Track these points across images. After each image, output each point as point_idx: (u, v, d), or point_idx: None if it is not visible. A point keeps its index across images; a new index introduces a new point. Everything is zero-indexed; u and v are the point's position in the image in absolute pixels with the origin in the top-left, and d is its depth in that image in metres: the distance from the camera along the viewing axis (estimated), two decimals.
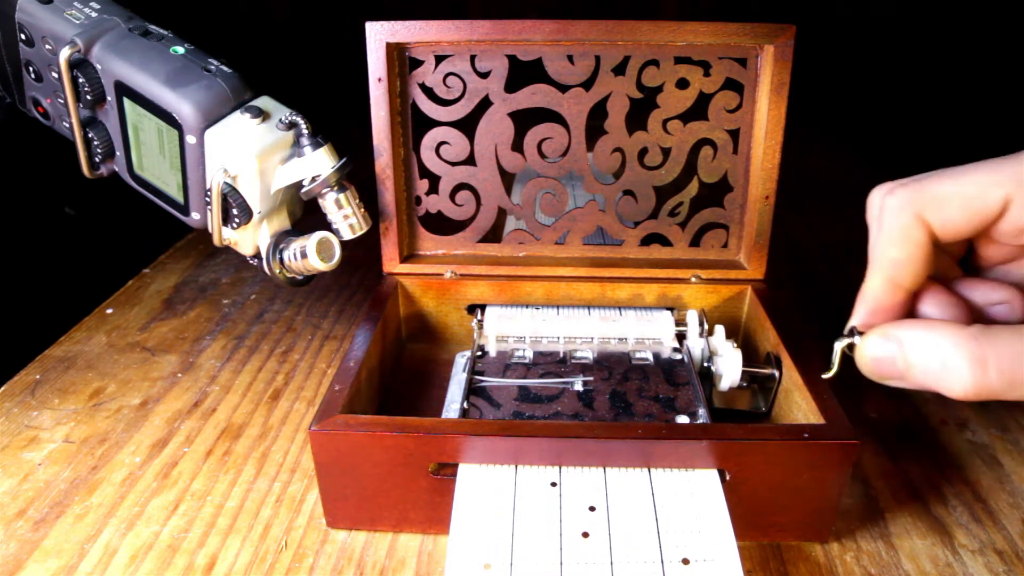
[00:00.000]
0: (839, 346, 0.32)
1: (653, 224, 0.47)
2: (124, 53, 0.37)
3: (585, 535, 0.30)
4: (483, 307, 0.47)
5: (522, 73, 0.44)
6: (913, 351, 0.32)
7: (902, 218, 0.34)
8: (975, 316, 0.37)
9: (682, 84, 0.44)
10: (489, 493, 0.32)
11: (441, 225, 0.47)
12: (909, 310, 0.36)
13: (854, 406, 0.44)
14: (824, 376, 0.32)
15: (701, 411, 0.37)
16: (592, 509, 0.31)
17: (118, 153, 0.41)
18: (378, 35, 0.42)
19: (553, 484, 0.32)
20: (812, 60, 0.66)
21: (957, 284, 0.37)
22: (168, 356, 0.50)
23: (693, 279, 0.46)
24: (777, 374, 0.39)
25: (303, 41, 1.21)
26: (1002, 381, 0.30)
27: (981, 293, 0.37)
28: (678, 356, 0.43)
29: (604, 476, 0.33)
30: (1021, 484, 0.38)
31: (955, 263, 0.38)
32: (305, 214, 0.42)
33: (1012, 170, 0.32)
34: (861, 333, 0.33)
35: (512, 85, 0.44)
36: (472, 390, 0.39)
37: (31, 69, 0.41)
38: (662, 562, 0.29)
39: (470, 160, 0.45)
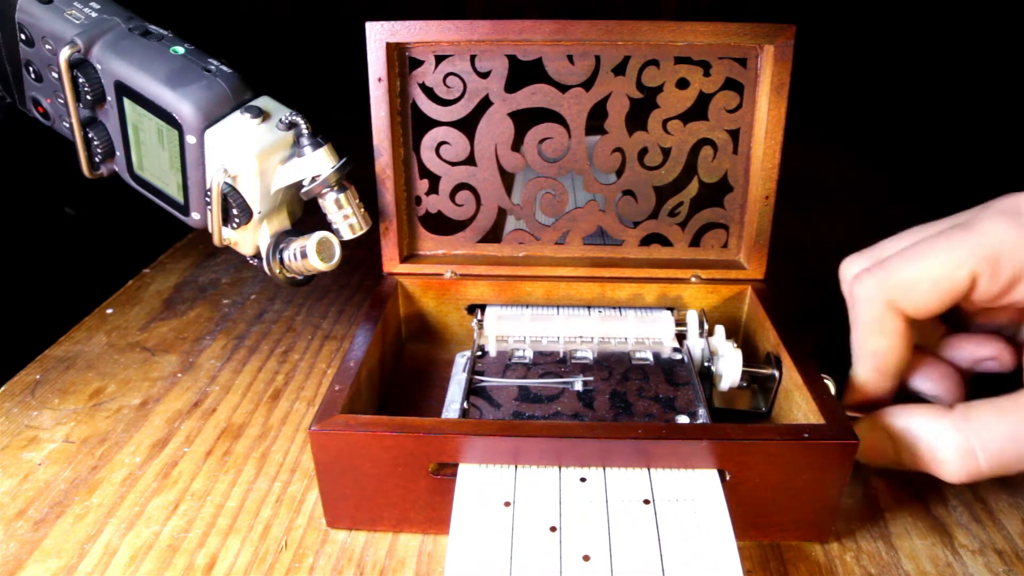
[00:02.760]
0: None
1: (653, 224, 0.47)
2: (124, 53, 0.37)
3: (585, 535, 0.30)
4: (483, 307, 0.47)
5: (522, 73, 0.44)
6: (902, 443, 0.33)
7: (874, 309, 0.34)
8: (966, 374, 0.37)
9: (682, 84, 0.44)
10: (489, 493, 0.32)
11: (441, 225, 0.47)
12: (900, 387, 0.36)
13: None
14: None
15: (701, 411, 0.37)
16: (592, 509, 0.31)
17: (118, 153, 0.41)
18: (378, 35, 0.42)
19: (553, 484, 0.32)
20: (812, 60, 0.66)
21: (944, 345, 0.38)
22: (168, 356, 0.50)
23: (693, 279, 0.46)
24: (777, 374, 0.39)
25: (303, 41, 1.21)
26: (992, 467, 0.31)
27: (969, 351, 0.37)
28: (678, 356, 0.43)
29: (604, 476, 0.33)
30: (1021, 484, 0.38)
31: (939, 323, 0.38)
32: (305, 214, 0.42)
33: (972, 244, 0.31)
34: (854, 419, 0.34)
35: (512, 85, 0.44)
36: (472, 390, 0.39)
37: (31, 69, 0.41)
38: (662, 561, 0.29)
39: (470, 160, 0.45)
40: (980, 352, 0.36)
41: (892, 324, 0.34)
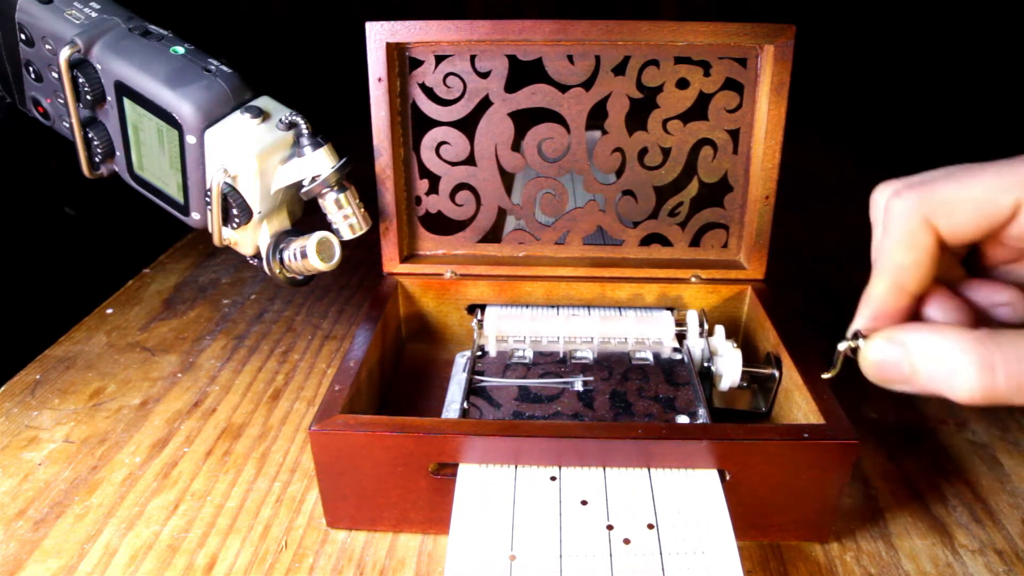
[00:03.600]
0: (842, 348, 0.32)
1: (653, 224, 0.47)
2: (124, 53, 0.37)
3: (585, 535, 0.30)
4: (483, 307, 0.47)
5: (522, 73, 0.44)
6: (919, 355, 0.32)
7: (909, 223, 0.33)
8: (979, 318, 0.36)
9: (682, 84, 0.44)
10: (489, 493, 0.32)
11: (441, 225, 0.47)
12: (913, 313, 0.35)
13: (854, 406, 0.44)
14: (824, 376, 0.32)
15: (701, 411, 0.37)
16: (592, 508, 0.31)
17: (118, 153, 0.41)
18: (378, 35, 0.42)
19: (553, 481, 0.32)
20: (812, 60, 0.66)
21: (960, 285, 0.37)
22: (168, 356, 0.50)
23: (693, 279, 0.46)
24: (777, 374, 0.39)
25: (303, 41, 1.21)
26: (1010, 385, 0.30)
27: (985, 294, 0.36)
28: (678, 356, 0.43)
29: (604, 476, 0.33)
30: (1021, 484, 0.38)
31: (958, 263, 0.37)
32: (305, 214, 0.42)
33: (1022, 172, 0.31)
34: (864, 336, 0.33)
35: (512, 85, 0.44)
36: (472, 390, 0.39)
37: (31, 69, 0.41)
38: (662, 562, 0.29)
39: (470, 160, 0.45)
40: (996, 296, 0.36)
41: (924, 240, 0.33)
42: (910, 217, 0.33)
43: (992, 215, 0.32)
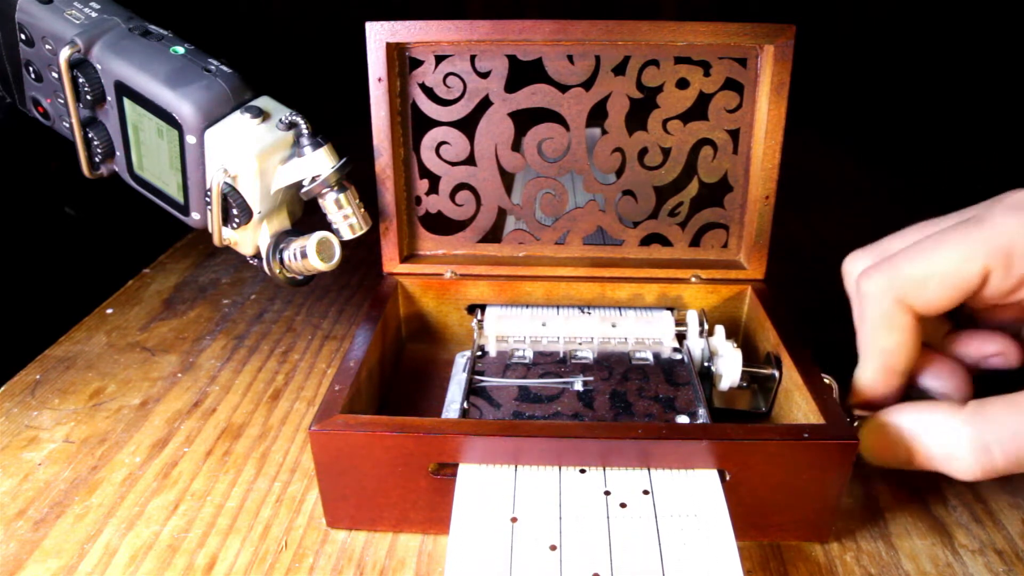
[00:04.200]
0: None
1: (653, 224, 0.47)
2: (124, 53, 0.37)
3: (585, 535, 0.30)
4: (483, 307, 0.47)
5: (522, 73, 0.44)
6: (913, 441, 0.32)
7: (883, 306, 0.33)
8: (972, 371, 0.36)
9: (682, 84, 0.44)
10: (489, 493, 0.32)
11: (441, 225, 0.47)
12: (907, 385, 0.35)
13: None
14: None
15: (701, 411, 0.37)
16: (592, 508, 0.31)
17: (118, 153, 0.41)
18: (378, 35, 0.42)
19: (553, 484, 0.32)
20: (812, 60, 0.66)
21: (950, 341, 0.37)
22: (168, 356, 0.50)
23: (693, 279, 0.46)
24: (777, 374, 0.39)
25: (303, 41, 1.21)
26: (1008, 462, 0.30)
27: (975, 347, 0.36)
28: (678, 356, 0.43)
29: (604, 476, 0.33)
30: (1021, 484, 0.38)
31: (944, 319, 0.37)
32: (305, 214, 0.42)
33: (984, 239, 0.30)
34: (858, 422, 0.33)
35: (512, 85, 0.44)
36: (472, 390, 0.39)
37: (31, 69, 0.41)
38: (662, 561, 0.29)
39: (470, 160, 0.45)
40: (986, 348, 0.36)
41: (901, 321, 0.33)
42: (883, 300, 0.33)
43: (962, 286, 0.31)
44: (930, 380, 0.36)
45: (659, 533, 0.30)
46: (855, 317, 0.35)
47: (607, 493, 0.32)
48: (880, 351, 0.34)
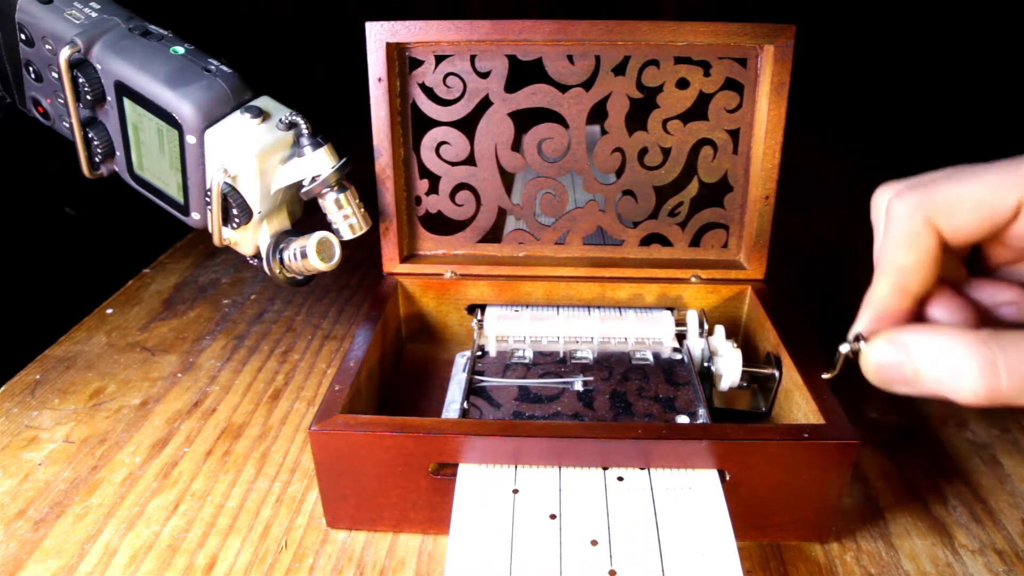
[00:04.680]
0: (843, 350, 0.32)
1: (653, 224, 0.47)
2: (124, 53, 0.37)
3: (585, 535, 0.30)
4: (483, 307, 0.47)
5: (522, 73, 0.44)
6: (921, 357, 0.32)
7: (911, 224, 0.33)
8: (983, 318, 0.36)
9: (682, 84, 0.44)
10: (489, 493, 0.32)
11: (441, 225, 0.47)
12: (916, 315, 0.35)
13: (854, 406, 0.44)
14: (824, 376, 0.32)
15: (701, 411, 0.37)
16: (592, 508, 0.31)
17: (118, 153, 0.41)
18: (378, 35, 0.42)
19: (553, 484, 0.32)
20: (812, 60, 0.66)
21: (964, 285, 0.37)
22: (168, 356, 0.50)
23: (693, 279, 0.46)
24: (777, 374, 0.39)
25: (303, 41, 1.21)
26: (1013, 386, 0.29)
27: (988, 294, 0.36)
28: (678, 356, 0.43)
29: (604, 476, 0.33)
30: (1021, 484, 0.38)
31: (961, 263, 0.37)
32: (305, 214, 0.42)
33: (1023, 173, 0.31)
34: (866, 339, 0.32)
35: (512, 85, 0.44)
36: (472, 390, 0.39)
37: (31, 69, 0.41)
38: (662, 562, 0.29)
39: (470, 160, 0.45)
40: (1000, 296, 0.35)
41: (926, 241, 0.33)
42: (912, 218, 0.33)
43: (994, 214, 0.31)
44: (939, 311, 0.35)
45: (659, 533, 0.30)
46: (876, 242, 0.35)
47: (607, 496, 0.32)
48: (897, 267, 0.33)
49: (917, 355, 0.32)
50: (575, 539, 0.30)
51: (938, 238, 0.33)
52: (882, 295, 0.34)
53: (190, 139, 0.37)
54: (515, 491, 0.32)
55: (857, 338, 0.32)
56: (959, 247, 0.34)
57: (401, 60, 0.44)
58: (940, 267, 0.34)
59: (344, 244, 0.40)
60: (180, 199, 0.39)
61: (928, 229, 0.33)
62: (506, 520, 0.31)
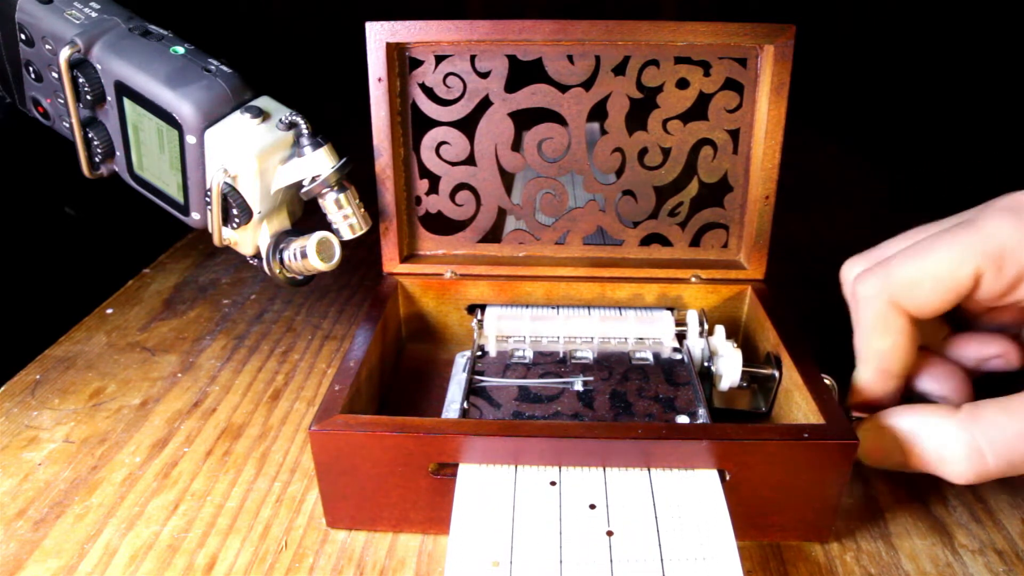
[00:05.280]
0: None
1: (653, 224, 0.47)
2: (124, 53, 0.37)
3: (585, 535, 0.30)
4: (483, 307, 0.47)
5: (522, 73, 0.44)
6: (908, 444, 0.32)
7: (877, 307, 0.33)
8: (972, 374, 0.37)
9: (682, 84, 0.44)
10: (489, 493, 0.32)
11: (441, 225, 0.47)
12: (905, 387, 0.36)
13: None
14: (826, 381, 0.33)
15: (701, 411, 0.37)
16: (592, 508, 0.31)
17: (118, 153, 0.41)
18: (378, 35, 0.42)
19: (553, 483, 0.32)
20: (812, 60, 0.66)
21: (948, 344, 0.37)
22: (168, 356, 0.50)
23: (693, 279, 0.46)
24: (777, 374, 0.39)
25: (303, 41, 1.21)
26: (1000, 466, 0.30)
27: (974, 349, 0.36)
28: (678, 356, 0.43)
29: (604, 476, 0.33)
30: (1021, 484, 0.38)
31: (943, 323, 0.37)
32: (305, 214, 0.42)
33: (975, 242, 0.31)
34: (855, 424, 0.34)
35: (512, 85, 0.44)
36: (472, 390, 0.39)
37: (31, 69, 0.41)
38: (662, 562, 0.29)
39: (470, 160, 0.45)
40: (985, 351, 0.36)
41: (896, 323, 0.33)
42: (876, 302, 0.33)
43: (954, 288, 0.32)
44: (927, 383, 0.36)
45: (659, 533, 0.30)
46: (853, 321, 0.36)
47: (607, 496, 0.32)
48: (875, 353, 0.34)
49: (905, 442, 0.32)
50: (575, 539, 0.30)
51: (907, 316, 0.33)
52: (867, 380, 0.35)
53: (190, 139, 0.37)
54: (515, 492, 0.32)
55: (849, 418, 0.33)
56: (929, 318, 0.34)
57: (401, 60, 0.44)
58: (917, 342, 0.34)
59: (344, 244, 0.40)
60: (180, 199, 0.39)
61: (894, 310, 0.33)
62: (506, 520, 0.31)
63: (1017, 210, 0.30)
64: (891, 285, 0.33)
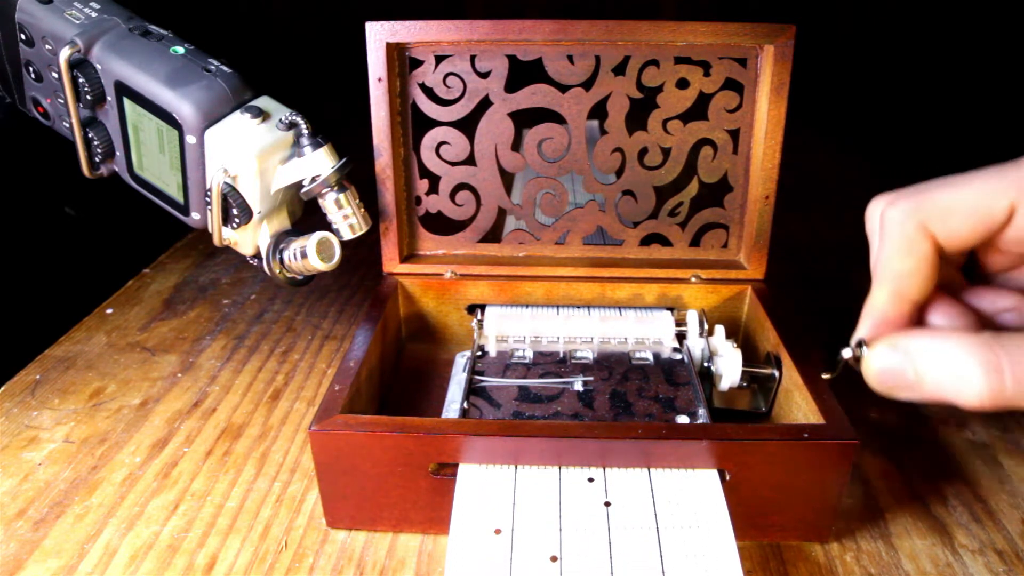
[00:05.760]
0: (845, 355, 0.32)
1: (653, 224, 0.47)
2: (124, 53, 0.37)
3: (585, 535, 0.30)
4: (483, 307, 0.47)
5: (522, 73, 0.44)
6: (924, 361, 0.31)
7: (906, 229, 0.33)
8: (984, 325, 0.36)
9: (682, 84, 0.44)
10: (489, 493, 0.32)
11: (441, 225, 0.47)
12: (916, 321, 0.35)
13: (854, 406, 0.44)
14: (824, 376, 0.32)
15: (701, 411, 0.37)
16: (592, 508, 0.31)
17: (118, 153, 0.41)
18: (378, 35, 0.42)
19: (553, 484, 0.32)
20: (812, 60, 0.66)
21: (963, 293, 0.37)
22: (168, 356, 0.50)
23: (693, 279, 0.46)
24: (777, 374, 0.39)
25: (303, 41, 1.21)
26: (1018, 389, 0.29)
27: (988, 301, 0.36)
28: (678, 356, 0.43)
29: (604, 476, 0.33)
30: (1021, 484, 0.38)
31: (958, 271, 0.37)
32: (305, 214, 0.42)
33: (1016, 176, 0.31)
34: (867, 345, 0.32)
35: (512, 85, 0.44)
36: (472, 390, 0.39)
37: (31, 69, 0.41)
38: (662, 561, 0.29)
39: (470, 160, 0.45)
40: (1000, 302, 0.35)
41: (921, 247, 0.33)
42: (906, 224, 0.33)
43: (987, 219, 0.32)
44: (939, 317, 0.35)
45: (659, 533, 0.30)
46: (872, 252, 0.35)
47: (607, 501, 0.32)
48: (895, 274, 0.33)
49: (919, 359, 0.31)
50: (575, 540, 0.30)
51: (933, 244, 0.33)
52: (881, 302, 0.34)
53: (190, 139, 0.37)
54: (515, 492, 0.32)
55: (859, 344, 0.32)
56: (955, 253, 0.34)
57: (401, 60, 0.44)
58: (937, 273, 0.34)
59: (344, 244, 0.40)
60: (180, 199, 0.39)
61: (923, 235, 0.33)
62: (506, 520, 0.31)
63: None
64: (924, 208, 0.32)
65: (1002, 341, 0.30)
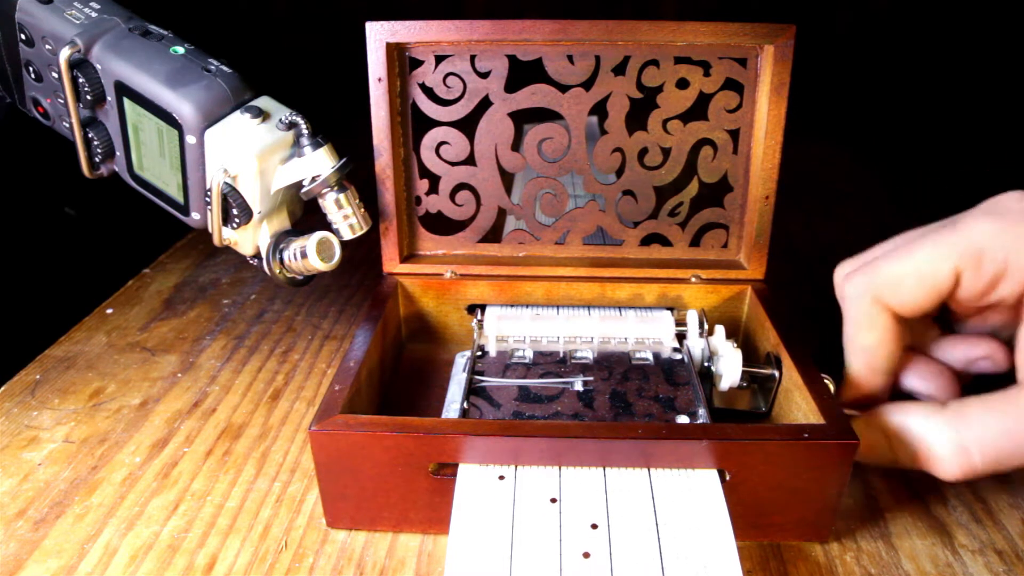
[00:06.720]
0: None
1: (653, 224, 0.47)
2: (124, 53, 0.37)
3: (585, 534, 0.30)
4: (483, 307, 0.47)
5: (522, 73, 0.44)
6: (897, 441, 0.33)
7: (862, 305, 0.35)
8: (960, 374, 0.37)
9: (682, 84, 0.44)
10: (489, 493, 0.32)
11: (441, 225, 0.47)
12: (894, 385, 0.37)
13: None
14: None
15: (701, 411, 0.37)
16: (592, 508, 0.31)
17: (118, 153, 0.41)
18: (378, 35, 0.42)
19: (553, 484, 0.32)
20: (812, 60, 0.66)
21: (937, 346, 0.38)
22: (168, 356, 0.50)
23: (693, 279, 0.46)
24: (777, 374, 0.39)
25: (303, 41, 1.21)
26: (987, 463, 0.31)
27: (963, 351, 0.37)
28: (678, 356, 0.43)
29: (604, 476, 0.33)
30: (1021, 484, 0.38)
31: (932, 324, 0.38)
32: (305, 214, 0.42)
33: (955, 241, 0.32)
34: (852, 415, 0.34)
35: (512, 85, 0.44)
36: (472, 390, 0.39)
37: (31, 69, 0.41)
38: (662, 561, 0.29)
39: (470, 160, 0.45)
40: (973, 352, 0.37)
41: (880, 320, 0.34)
42: (862, 300, 0.35)
43: (935, 286, 0.33)
44: (915, 381, 0.37)
45: (659, 533, 0.30)
46: (844, 319, 0.37)
47: (607, 497, 0.32)
48: (862, 349, 0.35)
49: (893, 439, 0.33)
50: (575, 540, 0.30)
51: (891, 314, 0.34)
52: (855, 376, 0.36)
53: (190, 139, 0.37)
54: (515, 492, 0.32)
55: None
56: (914, 317, 0.35)
57: (401, 60, 0.44)
58: (902, 338, 0.35)
59: (344, 244, 0.40)
60: (180, 199, 0.39)
61: (879, 308, 0.34)
62: (506, 520, 0.31)
63: (995, 212, 0.32)
64: (875, 283, 0.34)
65: (964, 416, 0.31)
